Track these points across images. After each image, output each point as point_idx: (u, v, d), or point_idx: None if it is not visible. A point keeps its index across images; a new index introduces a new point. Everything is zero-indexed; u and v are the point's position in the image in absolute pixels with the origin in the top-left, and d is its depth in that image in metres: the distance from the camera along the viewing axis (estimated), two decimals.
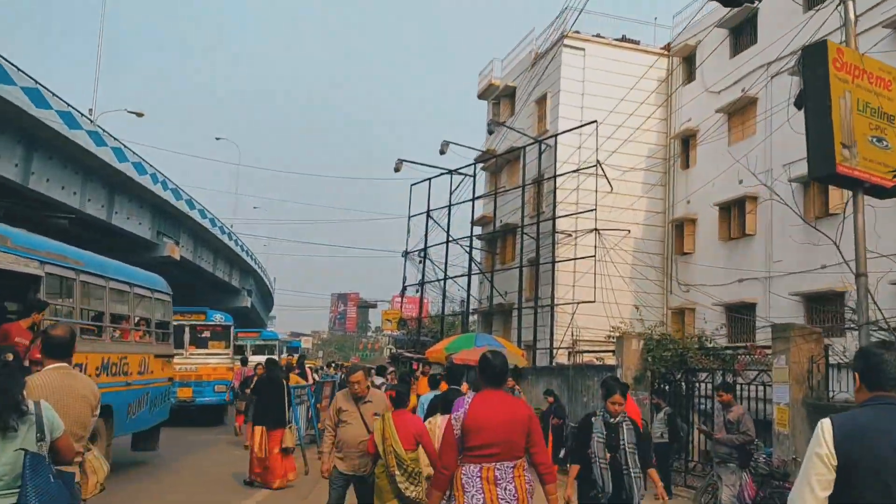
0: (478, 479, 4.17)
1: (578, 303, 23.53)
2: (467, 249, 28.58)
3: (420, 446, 6.15)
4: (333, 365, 30.21)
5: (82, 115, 28.57)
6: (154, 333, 12.84)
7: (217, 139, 63.68)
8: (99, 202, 31.68)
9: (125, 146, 31.50)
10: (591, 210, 23.77)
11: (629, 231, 25.66)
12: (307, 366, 20.48)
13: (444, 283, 28.98)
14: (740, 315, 21.28)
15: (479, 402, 4.32)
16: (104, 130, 29.92)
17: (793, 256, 19.36)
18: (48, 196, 27.80)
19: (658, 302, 25.58)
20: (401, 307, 33.59)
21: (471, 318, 30.10)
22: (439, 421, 6.73)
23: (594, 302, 23.22)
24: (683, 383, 12.80)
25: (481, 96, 33.68)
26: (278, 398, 11.06)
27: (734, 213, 22.73)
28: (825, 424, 2.82)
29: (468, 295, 28.37)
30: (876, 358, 2.95)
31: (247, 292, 56.54)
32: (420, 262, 29.76)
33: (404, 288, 30.70)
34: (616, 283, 24.32)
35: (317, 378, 20.15)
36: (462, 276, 28.82)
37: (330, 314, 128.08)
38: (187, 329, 20.14)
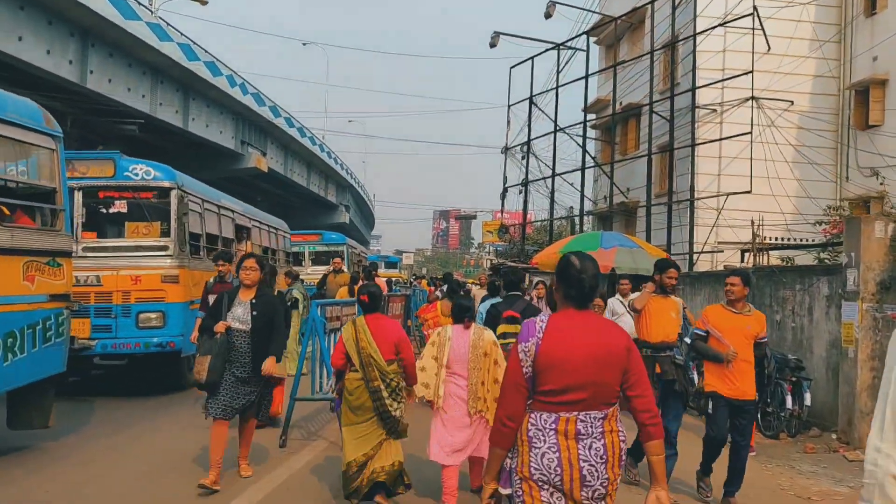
0: (552, 433, 2.86)
1: (729, 194, 17.96)
2: (579, 139, 23.20)
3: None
4: (428, 280, 25.67)
5: (140, 4, 24.55)
6: (29, 211, 6.91)
7: (304, 45, 59.28)
8: (172, 107, 28.10)
9: (194, 42, 27.51)
10: (746, 73, 17.82)
11: (792, 102, 19.55)
12: (380, 279, 15.33)
13: (553, 181, 23.79)
14: None
15: (558, 326, 2.92)
16: (168, 24, 25.92)
17: None
18: (111, 98, 24.36)
19: (829, 192, 19.58)
20: (501, 213, 28.49)
21: (584, 223, 24.89)
22: (450, 332, 5.42)
23: (749, 192, 17.60)
24: None
25: None
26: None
27: None
28: None
29: (581, 194, 23.10)
30: None
31: (344, 208, 53.24)
32: (523, 157, 24.62)
33: (505, 189, 25.73)
34: (775, 170, 18.50)
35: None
36: (573, 171, 23.52)
37: (433, 231, 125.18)
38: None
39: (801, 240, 15.76)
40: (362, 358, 5.19)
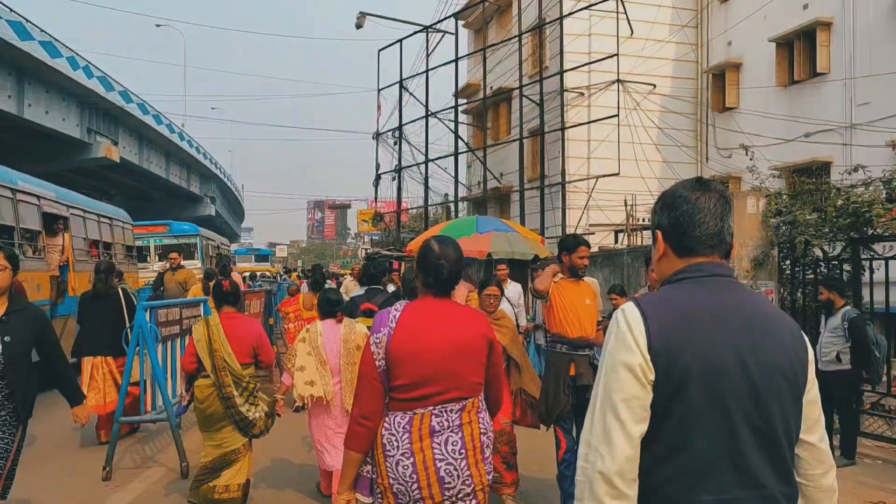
0: (406, 435, 2.64)
1: (599, 177, 18.02)
2: (452, 124, 22.70)
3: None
4: (299, 273, 24.29)
5: None
6: None
7: (158, 26, 55.49)
8: (4, 92, 25.18)
9: (27, 20, 24.73)
10: (611, 56, 17.87)
11: (654, 86, 19.87)
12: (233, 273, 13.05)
13: (426, 167, 23.18)
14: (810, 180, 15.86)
15: (413, 316, 2.72)
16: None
17: (884, 98, 13.96)
18: None
19: (691, 172, 20.09)
20: (375, 201, 27.62)
21: (459, 209, 24.47)
22: (320, 327, 5.07)
23: (618, 175, 17.70)
24: (849, 265, 7.43)
25: None
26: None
27: (799, 48, 16.94)
28: (631, 314, 1.69)
29: (455, 180, 22.63)
30: (687, 206, 1.77)
31: (210, 199, 50.47)
32: (395, 143, 23.84)
33: (378, 176, 24.88)
34: (642, 152, 18.74)
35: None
36: (446, 156, 23.00)
37: (308, 222, 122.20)
38: None
39: None
40: (215, 361, 4.71)
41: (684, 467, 1.62)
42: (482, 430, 2.73)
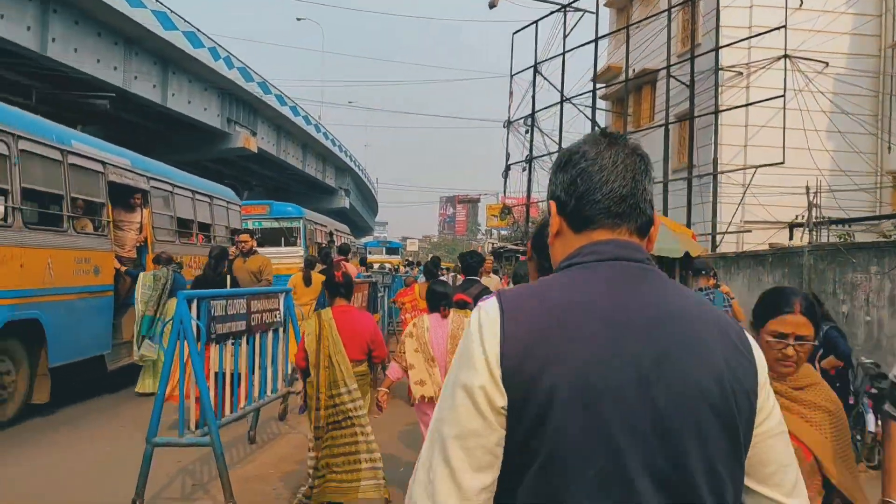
0: None
1: (759, 166, 15.74)
2: (588, 111, 20.91)
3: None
4: (417, 264, 23.13)
5: None
6: None
7: (298, 20, 56.88)
8: (149, 81, 25.98)
9: (171, 10, 25.32)
10: (778, 29, 15.52)
11: (827, 64, 17.22)
12: (348, 263, 11.59)
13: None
14: None
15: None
16: None
17: None
18: (78, 70, 22.24)
19: (865, 165, 17.29)
20: (503, 193, 26.24)
21: None
22: (427, 322, 4.86)
23: (782, 164, 15.35)
24: None
25: None
26: None
27: None
28: (487, 313, 1.20)
29: None
30: (584, 163, 1.29)
31: (344, 192, 51.02)
32: (527, 132, 22.36)
33: (508, 167, 23.47)
34: (806, 140, 16.21)
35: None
36: None
37: (439, 217, 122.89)
38: None
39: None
40: (320, 358, 4.44)
41: None
42: None
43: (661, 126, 18.54)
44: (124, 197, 9.17)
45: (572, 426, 1.10)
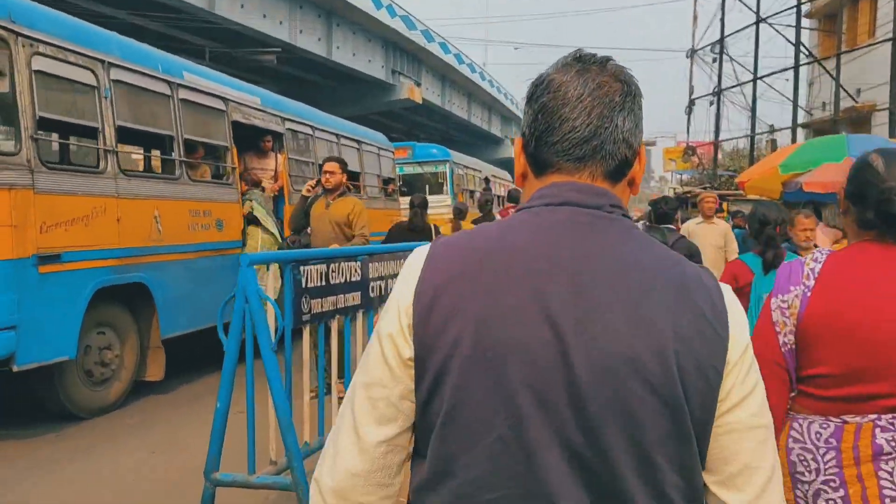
0: (832, 453, 1.78)
1: None
2: (790, 32, 17.65)
3: None
4: None
5: None
6: None
7: None
8: (314, 34, 25.73)
9: None
10: None
11: None
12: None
13: (755, 87, 18.49)
14: None
15: (846, 270, 1.85)
16: None
17: None
18: (246, 26, 22.30)
19: None
20: (687, 132, 23.21)
21: (798, 139, 19.38)
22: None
23: None
24: None
25: None
26: None
27: None
28: (417, 255, 1.12)
29: (794, 102, 17.66)
30: (547, 95, 1.10)
31: (511, 141, 49.44)
32: (714, 60, 19.44)
33: (692, 102, 20.66)
34: None
35: None
36: (783, 70, 18.05)
37: None
38: None
39: None
40: None
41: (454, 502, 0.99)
42: None
43: (886, 41, 15.15)
44: (255, 140, 8.16)
45: (473, 386, 1.00)
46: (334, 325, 3.92)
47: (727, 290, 1.07)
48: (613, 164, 1.08)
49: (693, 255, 5.81)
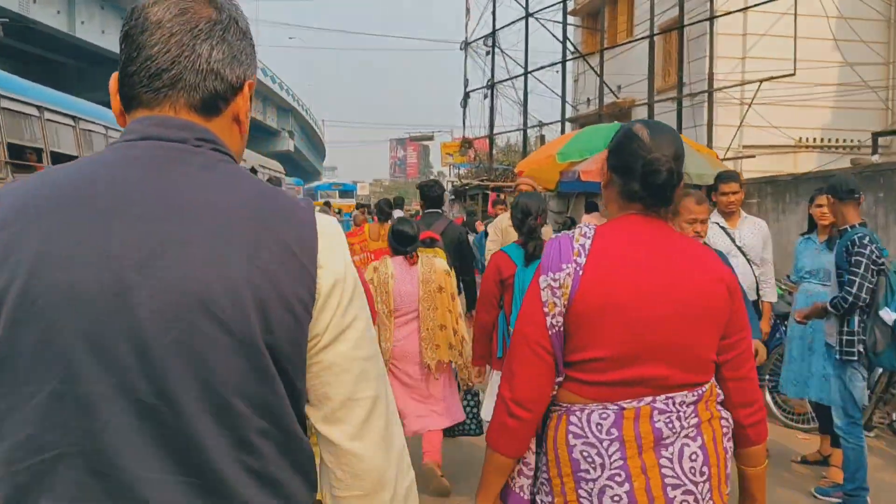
0: (615, 444, 1.69)
1: (766, 79, 13.38)
2: (556, 28, 18.23)
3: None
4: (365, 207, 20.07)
5: None
6: None
7: None
8: (53, 6, 22.29)
9: None
10: None
11: None
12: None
13: (526, 81, 18.89)
14: None
15: (612, 244, 1.78)
16: None
17: None
18: None
19: (877, 75, 15.08)
20: (463, 125, 23.30)
21: (566, 132, 20.16)
22: (391, 267, 4.26)
23: (793, 74, 13.03)
24: None
25: None
26: None
27: None
28: None
29: (562, 97, 18.26)
30: (130, 24, 1.04)
31: (288, 134, 47.60)
32: (487, 53, 19.58)
33: (466, 95, 20.70)
34: (810, 51, 13.85)
35: None
36: (551, 65, 18.59)
37: (390, 160, 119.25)
38: None
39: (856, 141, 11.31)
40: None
41: (3, 468, 0.93)
42: (725, 432, 1.78)
43: (644, 38, 16.02)
44: None
45: (22, 337, 0.93)
46: None
47: (328, 224, 1.02)
48: (198, 97, 1.03)
49: (462, 242, 5.69)
